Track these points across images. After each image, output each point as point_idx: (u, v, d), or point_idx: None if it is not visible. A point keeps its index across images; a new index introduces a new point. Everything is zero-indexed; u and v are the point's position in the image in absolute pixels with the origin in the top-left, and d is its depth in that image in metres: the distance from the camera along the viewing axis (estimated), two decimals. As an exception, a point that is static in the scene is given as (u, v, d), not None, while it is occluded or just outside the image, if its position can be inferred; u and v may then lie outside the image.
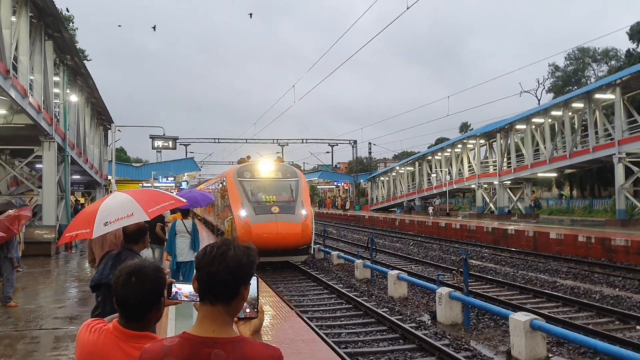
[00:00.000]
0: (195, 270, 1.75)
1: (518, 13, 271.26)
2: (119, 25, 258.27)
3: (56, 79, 21.88)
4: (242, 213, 17.05)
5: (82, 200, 37.05)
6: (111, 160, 27.32)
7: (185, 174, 55.55)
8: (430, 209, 42.24)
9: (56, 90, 22.07)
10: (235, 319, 1.79)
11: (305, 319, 10.45)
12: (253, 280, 1.81)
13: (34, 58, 17.93)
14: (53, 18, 18.53)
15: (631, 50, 46.36)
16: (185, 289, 2.11)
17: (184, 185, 45.73)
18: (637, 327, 10.27)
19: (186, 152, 62.07)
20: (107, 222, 3.97)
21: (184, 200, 5.01)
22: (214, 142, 62.42)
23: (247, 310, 1.81)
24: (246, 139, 59.63)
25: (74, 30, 41.71)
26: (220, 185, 21.91)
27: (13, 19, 15.69)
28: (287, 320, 8.15)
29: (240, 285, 1.70)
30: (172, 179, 47.17)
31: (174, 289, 2.17)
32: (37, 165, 23.33)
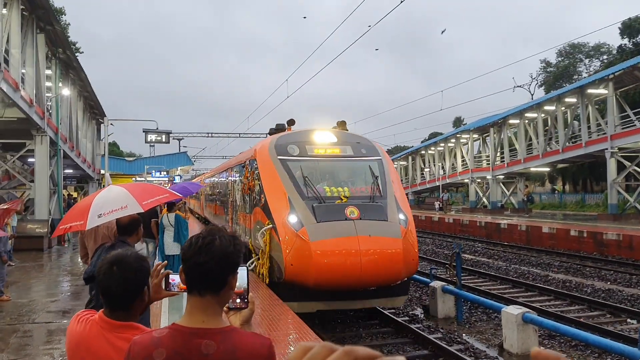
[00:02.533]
0: (181, 262, 1.75)
1: (482, 0, 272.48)
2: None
3: (48, 72, 21.72)
4: (292, 219, 9.15)
5: (74, 195, 36.88)
6: (104, 155, 27.20)
7: (179, 168, 55.36)
8: (437, 204, 41.83)
9: (48, 84, 21.91)
10: (225, 309, 1.80)
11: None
12: (243, 271, 1.81)
13: (25, 51, 17.78)
14: (44, 11, 18.38)
15: (623, 45, 46.60)
16: (180, 280, 2.13)
17: (177, 179, 45.55)
18: (628, 320, 10.37)
19: (179, 146, 61.86)
20: (101, 214, 4.00)
21: (179, 194, 5.04)
22: (207, 137, 62.22)
23: (238, 300, 1.81)
24: (239, 134, 59.50)
25: (67, 25, 41.37)
26: (241, 171, 13.26)
27: (4, 11, 15.56)
28: (276, 309, 8.17)
29: (228, 275, 1.71)
30: (165, 173, 46.99)
31: (170, 280, 2.19)
32: (29, 159, 23.18)
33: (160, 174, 45.01)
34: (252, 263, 10.65)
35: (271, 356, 1.68)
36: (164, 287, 2.25)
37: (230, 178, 16.00)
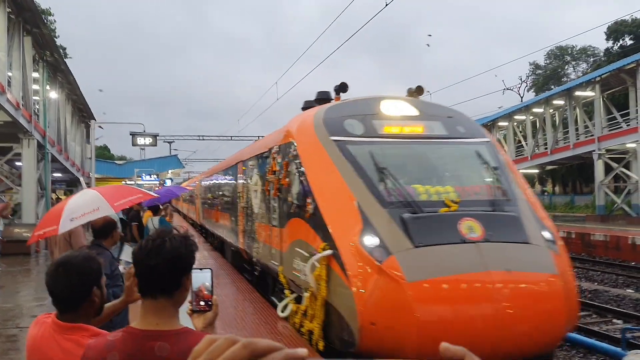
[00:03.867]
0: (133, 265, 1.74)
1: (455, 1, 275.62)
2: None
3: (35, 75, 21.57)
4: (369, 240, 5.38)
5: (63, 198, 36.65)
6: (91, 157, 27.05)
7: (170, 171, 55.16)
8: None
9: (35, 87, 21.76)
10: (188, 311, 1.80)
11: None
12: (208, 273, 1.81)
13: (12, 54, 17.65)
14: (31, 13, 18.25)
15: (610, 48, 47.13)
16: None
17: (167, 182, 45.36)
18: (614, 320, 10.45)
19: (170, 149, 61.70)
20: (73, 218, 4.01)
21: (153, 194, 5.07)
22: (199, 139, 62.05)
23: (202, 303, 1.80)
24: (231, 136, 59.39)
25: (54, 27, 41.12)
26: (261, 165, 9.40)
27: (-10, 14, 15.44)
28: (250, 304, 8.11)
29: (181, 277, 1.71)
30: (156, 176, 46.79)
31: None
32: (17, 163, 23.00)
33: (151, 177, 44.81)
34: (285, 307, 6.94)
35: None
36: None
37: (242, 175, 11.45)
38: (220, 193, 16.00)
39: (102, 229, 4.13)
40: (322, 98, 8.58)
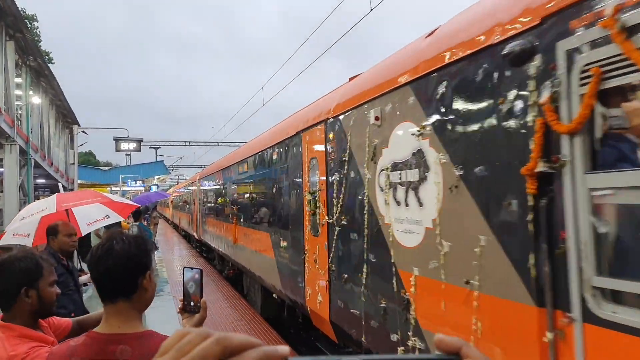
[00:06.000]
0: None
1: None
2: None
3: (18, 80, 21.35)
4: None
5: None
6: (73, 163, 26.80)
7: (155, 177, 54.82)
8: None
9: (18, 92, 21.54)
10: (178, 310, 1.79)
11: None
12: (197, 274, 1.81)
13: (-7, 59, 17.48)
14: (14, 18, 18.09)
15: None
16: None
17: (153, 188, 45.04)
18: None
19: (156, 155, 61.31)
20: (23, 217, 4.17)
21: (114, 199, 5.28)
22: (185, 146, 61.79)
23: (192, 303, 1.80)
24: (218, 142, 59.21)
25: (37, 32, 40.82)
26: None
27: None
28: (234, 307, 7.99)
29: (137, 277, 1.69)
30: (141, 182, 46.43)
31: None
32: (-1, 169, 22.73)
33: (136, 183, 44.49)
34: None
35: None
36: None
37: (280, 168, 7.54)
38: (248, 196, 10.14)
39: (47, 231, 4.14)
40: None
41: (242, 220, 10.56)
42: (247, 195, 10.29)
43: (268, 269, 8.09)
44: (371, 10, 9.74)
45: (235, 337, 0.52)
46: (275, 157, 7.86)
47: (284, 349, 0.51)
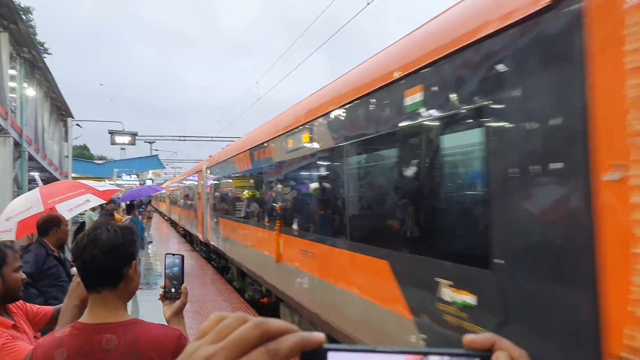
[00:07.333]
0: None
1: None
2: None
3: (12, 72, 21.21)
4: None
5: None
6: (67, 156, 26.72)
7: (150, 171, 54.70)
8: None
9: (12, 84, 21.40)
10: (159, 296, 1.81)
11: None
12: (177, 259, 1.81)
13: (-13, 50, 17.36)
14: (8, 9, 17.95)
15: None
16: None
17: (147, 182, 44.96)
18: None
19: (151, 149, 61.18)
20: (9, 218, 4.14)
21: (98, 189, 5.28)
22: (180, 140, 61.66)
23: (172, 290, 1.80)
24: (212, 137, 59.15)
25: (33, 24, 40.56)
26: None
27: (-35, 8, 15.17)
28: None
29: (122, 267, 1.69)
30: (136, 176, 46.33)
31: None
32: (-8, 162, 22.58)
33: (130, 177, 44.39)
34: None
35: (180, 348, 1.61)
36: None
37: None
38: (315, 189, 6.33)
39: (41, 227, 4.09)
40: None
41: (295, 227, 6.55)
42: (309, 189, 6.42)
43: (370, 321, 4.41)
44: (367, 4, 9.73)
45: (273, 321, 0.52)
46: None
47: (320, 335, 0.51)
